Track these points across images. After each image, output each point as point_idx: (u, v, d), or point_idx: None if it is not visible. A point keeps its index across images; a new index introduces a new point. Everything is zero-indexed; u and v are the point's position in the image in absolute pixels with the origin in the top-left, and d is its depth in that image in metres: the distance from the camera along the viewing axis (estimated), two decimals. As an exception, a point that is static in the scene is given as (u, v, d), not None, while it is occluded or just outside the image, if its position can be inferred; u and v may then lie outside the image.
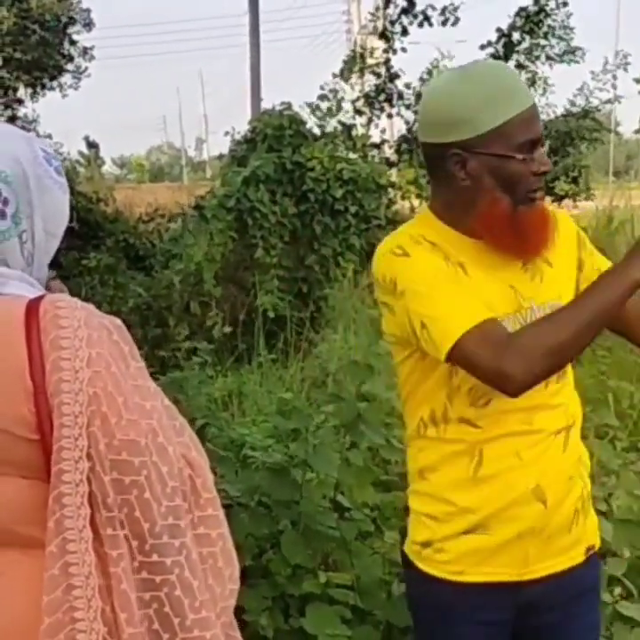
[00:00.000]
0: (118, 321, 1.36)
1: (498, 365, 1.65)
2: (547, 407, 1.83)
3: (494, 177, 1.76)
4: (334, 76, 10.29)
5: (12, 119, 16.42)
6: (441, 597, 1.95)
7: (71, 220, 1.51)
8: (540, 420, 1.82)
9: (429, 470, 1.91)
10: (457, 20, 9.85)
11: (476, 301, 1.72)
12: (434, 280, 1.75)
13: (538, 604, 1.90)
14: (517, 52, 10.42)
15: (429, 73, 10.46)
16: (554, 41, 10.43)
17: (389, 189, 9.94)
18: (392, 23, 9.88)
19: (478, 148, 1.75)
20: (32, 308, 1.31)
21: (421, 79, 10.47)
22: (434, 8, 9.77)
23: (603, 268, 1.91)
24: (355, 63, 10.40)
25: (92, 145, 19.83)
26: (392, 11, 9.89)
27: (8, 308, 1.32)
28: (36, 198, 1.39)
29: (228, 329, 8.20)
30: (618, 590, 2.93)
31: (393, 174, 10.66)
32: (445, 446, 1.87)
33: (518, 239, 1.79)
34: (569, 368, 1.88)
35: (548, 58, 10.43)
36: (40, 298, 1.33)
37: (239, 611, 2.77)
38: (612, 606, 2.85)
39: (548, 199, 10.09)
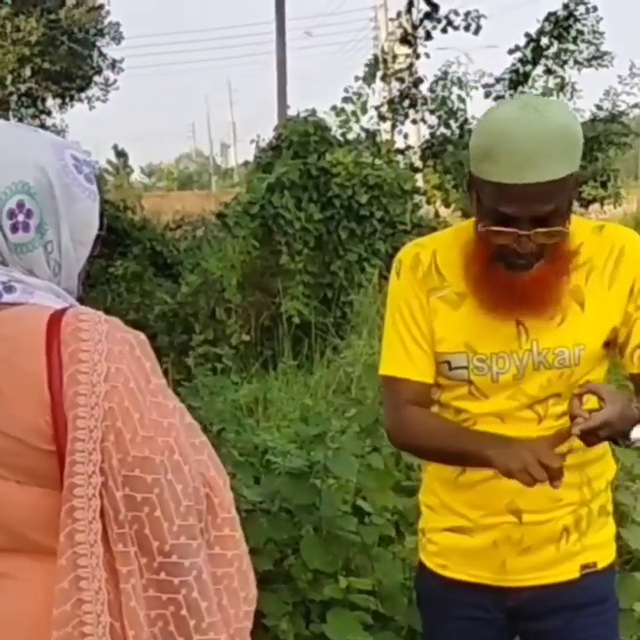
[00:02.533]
0: (143, 336, 1.35)
1: (388, 421, 1.96)
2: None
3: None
4: (357, 79, 10.27)
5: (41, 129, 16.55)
6: (432, 589, 2.03)
7: (101, 228, 1.49)
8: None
9: (428, 463, 2.01)
10: (479, 27, 9.77)
11: (406, 353, 1.87)
12: (397, 314, 1.91)
13: (530, 610, 1.89)
14: (546, 57, 10.36)
15: (445, 75, 10.45)
16: (583, 46, 10.34)
17: (415, 195, 9.93)
18: (415, 28, 9.86)
19: (475, 188, 1.76)
20: (55, 319, 1.30)
21: (436, 81, 10.48)
22: (457, 13, 9.73)
23: None
24: (377, 68, 10.38)
25: (121, 153, 19.99)
26: (415, 16, 9.88)
27: (32, 317, 1.31)
28: (62, 207, 1.38)
29: (246, 337, 8.22)
30: (649, 600, 2.87)
31: (418, 179, 10.64)
32: None
33: (481, 291, 1.81)
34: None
35: (577, 62, 10.35)
36: (65, 309, 1.32)
37: (259, 615, 2.78)
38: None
39: (574, 204, 10.03)
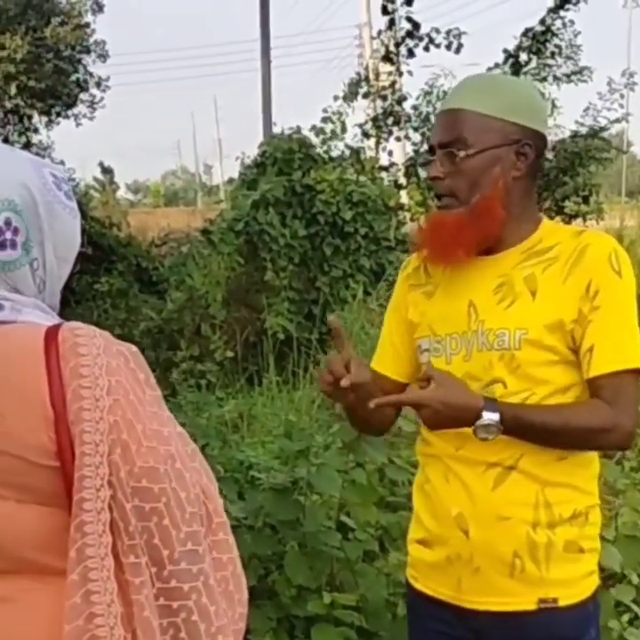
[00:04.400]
0: (134, 348, 1.36)
1: None
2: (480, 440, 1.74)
3: None
4: (336, 98, 10.29)
5: (27, 146, 16.53)
6: (410, 600, 2.05)
7: (83, 245, 1.50)
8: (472, 449, 1.79)
9: (416, 474, 2.04)
10: (460, 45, 9.76)
11: (382, 348, 2.06)
12: (387, 312, 2.08)
13: (489, 637, 1.86)
14: (525, 73, 10.38)
15: (428, 93, 10.50)
16: (561, 60, 10.38)
17: (399, 211, 9.97)
18: (397, 45, 9.87)
19: None
20: (51, 335, 1.31)
21: (422, 96, 10.51)
22: (438, 31, 9.72)
23: (596, 332, 1.75)
24: (359, 86, 10.40)
25: (107, 170, 19.93)
26: (395, 34, 9.87)
27: (26, 335, 1.32)
28: (46, 225, 1.39)
29: (230, 353, 8.24)
30: (626, 617, 2.88)
31: (403, 196, 10.66)
32: (418, 454, 2.00)
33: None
34: None
35: (556, 78, 10.38)
36: (58, 325, 1.33)
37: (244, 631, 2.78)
38: (619, 633, 2.81)
39: (557, 219, 10.09)
